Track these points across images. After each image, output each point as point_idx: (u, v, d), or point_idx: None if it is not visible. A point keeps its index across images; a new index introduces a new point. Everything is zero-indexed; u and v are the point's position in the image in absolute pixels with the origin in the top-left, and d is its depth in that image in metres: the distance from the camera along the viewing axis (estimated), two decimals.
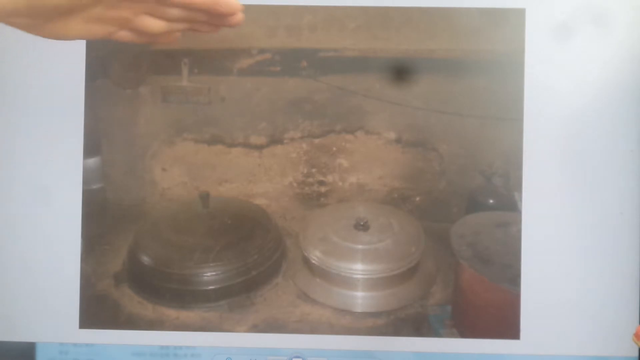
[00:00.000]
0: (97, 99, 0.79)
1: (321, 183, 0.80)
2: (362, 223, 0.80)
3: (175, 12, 0.61)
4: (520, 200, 0.77)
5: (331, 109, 0.79)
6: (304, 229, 0.80)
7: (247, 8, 0.78)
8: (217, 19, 0.63)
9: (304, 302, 0.79)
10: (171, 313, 0.79)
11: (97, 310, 0.79)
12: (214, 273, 0.79)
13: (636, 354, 0.76)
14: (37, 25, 0.58)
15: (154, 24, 0.62)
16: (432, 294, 0.79)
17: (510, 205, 0.77)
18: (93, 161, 0.80)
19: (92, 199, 0.79)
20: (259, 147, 0.80)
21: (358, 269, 0.79)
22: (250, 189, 0.80)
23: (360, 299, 0.79)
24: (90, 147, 0.79)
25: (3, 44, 0.78)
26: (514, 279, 0.77)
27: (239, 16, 0.63)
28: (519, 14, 0.77)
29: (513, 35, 0.77)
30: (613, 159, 0.77)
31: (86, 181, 0.79)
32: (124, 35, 0.63)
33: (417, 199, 0.79)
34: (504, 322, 0.77)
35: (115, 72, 0.79)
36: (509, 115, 0.77)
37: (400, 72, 0.78)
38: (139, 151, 0.80)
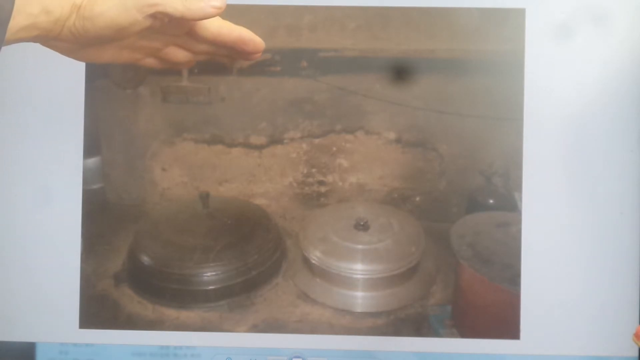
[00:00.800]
0: (97, 99, 0.79)
1: (321, 183, 0.80)
2: (362, 223, 0.80)
3: (203, 46, 0.64)
4: (520, 200, 0.77)
5: (331, 109, 0.79)
6: (304, 229, 0.80)
7: (247, 8, 0.78)
8: (240, 54, 0.65)
9: (304, 302, 0.79)
10: (171, 313, 0.79)
11: (97, 310, 0.79)
12: (214, 273, 0.79)
13: (636, 354, 0.76)
14: (75, 50, 0.60)
15: (181, 55, 0.65)
16: (432, 294, 0.79)
17: (510, 205, 0.77)
18: (93, 161, 0.80)
19: (92, 199, 0.79)
20: (259, 147, 0.80)
21: (358, 269, 0.79)
22: (250, 189, 0.80)
23: (360, 299, 0.79)
24: (90, 147, 0.79)
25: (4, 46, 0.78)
26: (514, 279, 0.77)
27: (260, 54, 0.65)
28: (519, 14, 0.77)
29: (513, 35, 0.77)
30: (613, 159, 0.77)
31: (86, 181, 0.79)
32: (149, 61, 0.66)
33: (417, 199, 0.79)
34: (504, 322, 0.77)
35: (115, 72, 0.79)
36: (509, 115, 0.77)
37: (400, 72, 0.78)
38: (139, 151, 0.80)
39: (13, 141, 0.79)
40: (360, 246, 0.79)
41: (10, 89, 0.79)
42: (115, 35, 0.58)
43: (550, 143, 0.77)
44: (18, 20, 0.54)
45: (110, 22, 0.57)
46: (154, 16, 0.57)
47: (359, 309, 0.79)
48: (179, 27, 0.61)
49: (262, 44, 0.65)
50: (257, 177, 0.80)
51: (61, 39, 0.58)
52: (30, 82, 0.79)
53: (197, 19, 0.60)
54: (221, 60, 0.67)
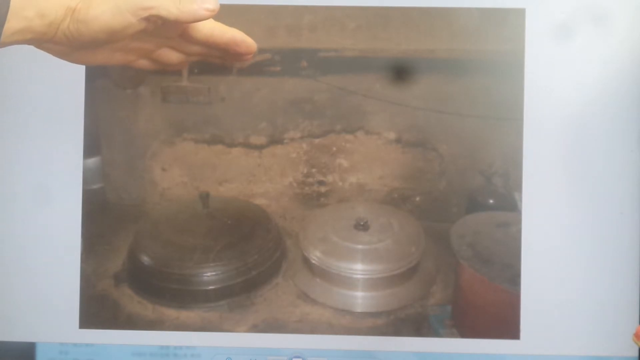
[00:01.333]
0: (97, 99, 0.79)
1: (321, 183, 0.80)
2: (362, 223, 0.80)
3: (195, 48, 0.65)
4: (520, 200, 0.77)
5: (331, 109, 0.79)
6: (304, 229, 0.80)
7: (247, 8, 0.78)
8: (232, 56, 0.66)
9: (304, 302, 0.79)
10: (171, 313, 0.79)
11: (97, 310, 0.79)
12: (214, 273, 0.79)
13: (636, 354, 0.76)
14: (68, 52, 0.60)
15: (173, 56, 0.66)
16: (432, 294, 0.79)
17: (510, 205, 0.77)
18: (93, 161, 0.80)
19: (92, 199, 0.79)
20: (259, 147, 0.80)
21: (358, 269, 0.79)
22: (250, 189, 0.80)
23: (360, 299, 0.79)
24: (90, 147, 0.79)
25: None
26: (514, 279, 0.77)
27: (251, 55, 0.67)
28: (519, 14, 0.77)
29: (513, 35, 0.77)
30: (613, 159, 0.77)
31: (86, 181, 0.79)
32: (142, 63, 0.66)
33: (417, 199, 0.79)
34: (504, 322, 0.77)
35: (115, 72, 0.79)
36: (509, 115, 0.77)
37: (400, 72, 0.78)
38: (139, 151, 0.80)
39: (13, 141, 0.79)
40: (360, 246, 0.79)
41: (10, 89, 0.79)
42: (109, 38, 0.58)
43: (550, 143, 0.77)
44: (13, 23, 0.54)
45: (104, 26, 0.57)
46: (148, 19, 0.58)
47: (359, 309, 0.79)
48: (172, 30, 0.62)
49: (254, 45, 0.65)
50: (257, 177, 0.80)
51: (55, 42, 0.58)
52: (30, 82, 0.79)
53: (191, 22, 0.60)
54: (214, 61, 0.68)
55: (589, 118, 0.77)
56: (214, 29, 0.63)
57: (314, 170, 0.80)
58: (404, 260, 0.79)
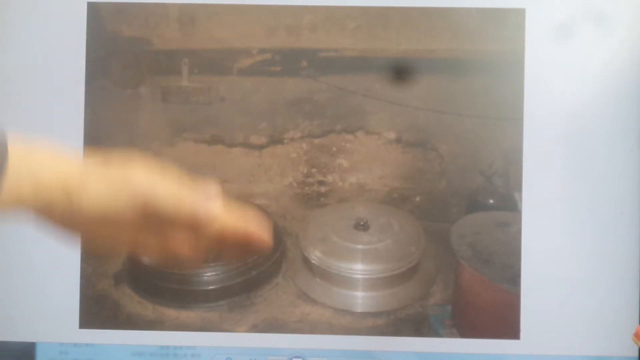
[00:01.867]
0: (97, 99, 0.79)
1: (321, 183, 0.80)
2: (362, 223, 0.80)
3: (205, 242, 0.58)
4: (520, 200, 0.77)
5: (331, 109, 0.79)
6: (304, 229, 0.80)
7: (247, 8, 0.78)
8: (246, 251, 0.59)
9: (304, 302, 0.79)
10: (171, 313, 0.79)
11: (97, 310, 0.79)
12: (214, 273, 0.79)
13: (636, 354, 0.76)
14: (66, 233, 0.56)
15: (184, 250, 0.59)
16: (432, 294, 0.79)
17: (510, 205, 0.77)
18: None
19: None
20: (259, 147, 0.80)
21: (358, 269, 0.79)
22: (250, 189, 0.80)
23: (360, 299, 0.79)
24: (90, 147, 0.79)
25: (4, 45, 0.78)
26: (514, 279, 0.77)
27: (266, 249, 0.60)
28: (519, 14, 0.77)
29: (513, 35, 0.77)
30: (613, 159, 0.77)
31: None
32: (154, 254, 0.59)
33: (417, 199, 0.79)
34: (504, 322, 0.77)
35: (115, 72, 0.79)
36: (509, 115, 0.77)
37: (400, 72, 0.78)
38: (139, 151, 0.80)
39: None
40: (360, 246, 0.79)
41: (11, 89, 0.79)
42: (106, 227, 0.55)
43: (550, 143, 0.77)
44: (5, 199, 0.52)
45: (99, 213, 0.53)
46: (145, 212, 0.54)
47: (359, 309, 0.79)
48: (177, 223, 0.56)
49: (270, 241, 0.58)
50: (257, 177, 0.80)
51: (49, 221, 0.56)
52: (31, 82, 0.79)
53: (191, 223, 0.55)
54: (228, 253, 0.62)
55: (589, 118, 0.77)
56: (225, 225, 0.57)
57: (314, 170, 0.80)
58: (404, 260, 0.79)
